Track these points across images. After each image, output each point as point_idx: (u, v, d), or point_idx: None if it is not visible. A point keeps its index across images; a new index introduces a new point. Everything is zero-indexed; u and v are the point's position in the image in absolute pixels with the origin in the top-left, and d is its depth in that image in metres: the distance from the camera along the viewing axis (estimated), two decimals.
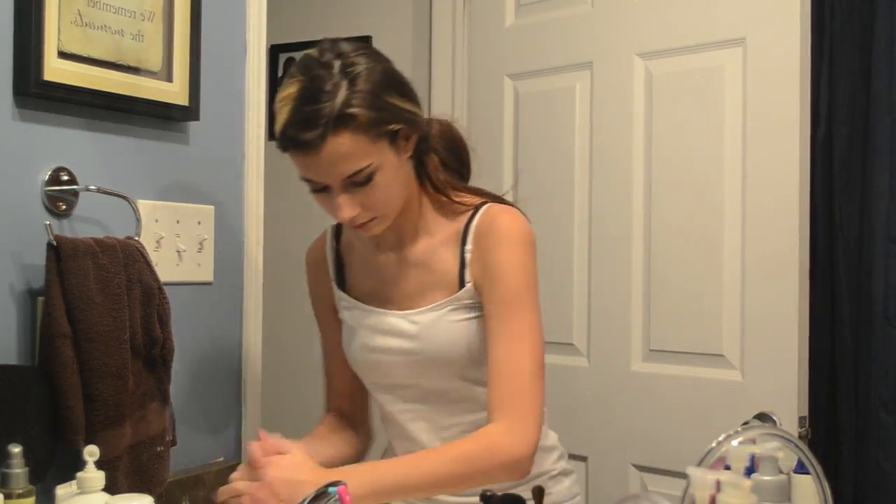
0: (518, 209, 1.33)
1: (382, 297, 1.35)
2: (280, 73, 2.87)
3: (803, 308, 1.84)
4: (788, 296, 1.84)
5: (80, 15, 1.36)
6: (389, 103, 1.20)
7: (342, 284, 1.41)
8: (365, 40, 2.70)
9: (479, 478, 1.17)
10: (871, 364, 2.04)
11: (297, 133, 1.16)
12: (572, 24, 2.20)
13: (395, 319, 1.32)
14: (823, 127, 2.12)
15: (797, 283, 1.83)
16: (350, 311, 1.38)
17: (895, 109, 2.03)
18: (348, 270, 1.41)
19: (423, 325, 1.29)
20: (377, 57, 1.23)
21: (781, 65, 1.86)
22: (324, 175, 1.19)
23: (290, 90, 1.18)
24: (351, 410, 1.46)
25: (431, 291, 1.30)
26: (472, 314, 1.28)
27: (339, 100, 1.15)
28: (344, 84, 1.16)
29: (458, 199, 1.32)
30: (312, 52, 1.22)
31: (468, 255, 1.28)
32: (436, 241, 1.32)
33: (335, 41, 1.22)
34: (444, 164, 1.34)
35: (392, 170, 1.22)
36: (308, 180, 1.22)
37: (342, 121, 1.15)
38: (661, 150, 2.04)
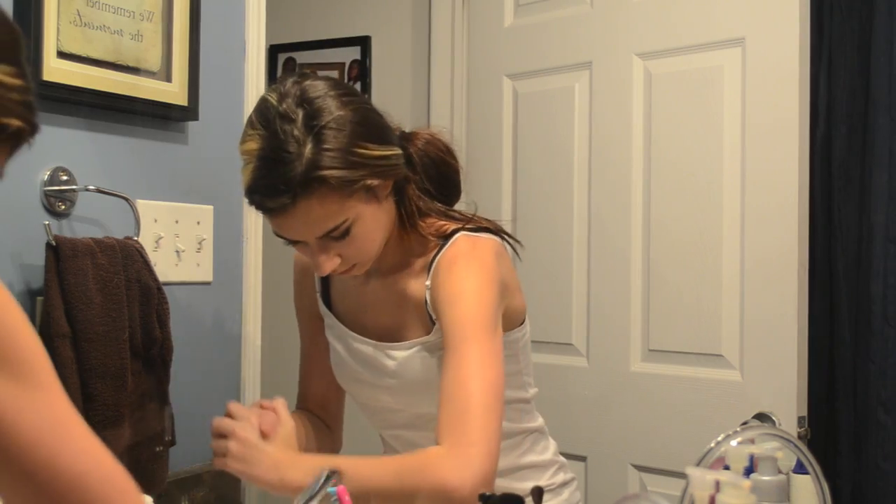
0: (497, 234, 1.25)
1: (361, 323, 1.31)
2: (279, 73, 2.88)
3: (802, 308, 1.84)
4: (787, 296, 1.84)
5: (79, 15, 1.36)
6: (362, 156, 1.10)
7: (327, 299, 1.37)
8: (364, 40, 2.70)
9: (407, 495, 1.07)
10: (870, 364, 2.04)
11: (263, 200, 1.10)
12: (571, 24, 2.20)
13: (372, 351, 1.28)
14: (822, 127, 2.12)
15: (796, 283, 1.83)
16: (333, 330, 1.35)
17: (894, 109, 2.03)
18: (333, 285, 1.37)
19: (399, 361, 1.24)
20: (346, 100, 1.12)
21: (780, 65, 1.86)
22: (298, 234, 1.13)
23: (250, 145, 1.10)
24: (323, 416, 1.42)
25: (407, 326, 1.26)
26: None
27: (305, 161, 1.06)
28: (309, 142, 1.07)
29: (428, 232, 1.22)
30: (272, 95, 1.11)
31: (428, 292, 1.21)
32: (410, 274, 1.25)
33: (300, 80, 1.11)
34: (425, 189, 1.24)
35: (370, 219, 1.14)
36: (281, 237, 1.16)
37: (311, 185, 1.06)
38: (661, 150, 2.04)
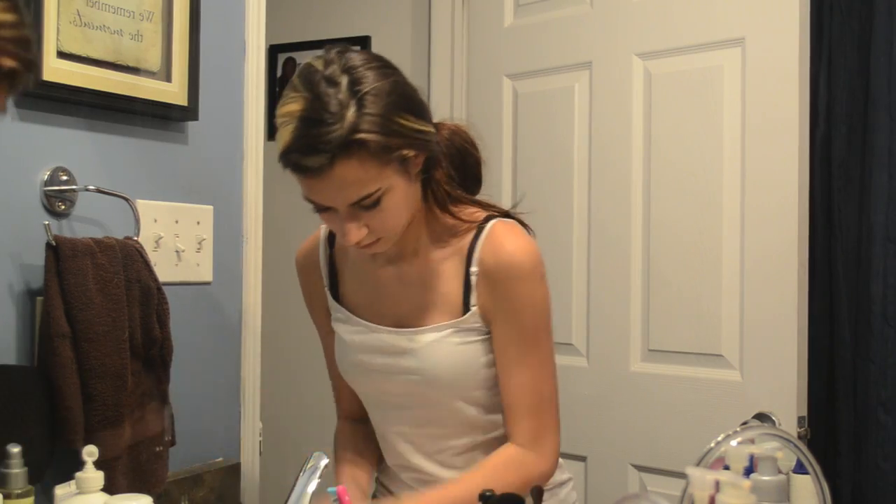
0: (521, 223, 1.28)
1: (377, 312, 1.29)
2: (279, 73, 2.87)
3: (802, 308, 1.84)
4: (787, 295, 1.84)
5: (78, 15, 1.36)
6: (401, 125, 1.11)
7: (335, 292, 1.35)
8: (364, 40, 2.70)
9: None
10: (870, 364, 2.04)
11: (300, 158, 1.09)
12: (571, 24, 2.20)
13: (391, 337, 1.26)
14: (822, 127, 2.12)
15: (796, 283, 1.83)
16: (344, 323, 1.32)
17: (894, 109, 2.03)
18: (341, 278, 1.35)
19: (424, 346, 1.23)
20: (388, 72, 1.14)
21: (780, 65, 1.86)
22: (329, 199, 1.13)
23: (292, 106, 1.10)
24: (362, 413, 1.40)
25: (432, 311, 1.25)
26: (477, 337, 1.24)
27: (347, 124, 1.07)
28: (352, 105, 1.08)
29: (460, 217, 1.25)
30: (317, 62, 1.12)
31: (473, 279, 1.23)
32: (438, 259, 1.26)
33: (343, 51, 1.13)
34: (450, 176, 1.26)
35: (401, 192, 1.15)
36: (312, 201, 1.16)
37: (350, 147, 1.07)
38: (661, 150, 2.04)
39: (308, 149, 1.08)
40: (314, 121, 1.08)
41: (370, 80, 1.10)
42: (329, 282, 1.36)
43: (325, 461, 1.19)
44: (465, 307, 1.23)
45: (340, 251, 1.36)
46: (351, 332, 1.31)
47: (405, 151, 1.13)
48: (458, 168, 1.29)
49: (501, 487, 1.09)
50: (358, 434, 1.40)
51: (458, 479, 1.22)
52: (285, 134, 1.10)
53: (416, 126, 1.14)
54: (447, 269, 1.25)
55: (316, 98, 1.08)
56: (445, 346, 1.23)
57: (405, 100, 1.14)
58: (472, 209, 1.27)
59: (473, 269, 1.23)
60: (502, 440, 1.28)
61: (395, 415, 1.32)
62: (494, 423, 1.29)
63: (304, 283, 1.41)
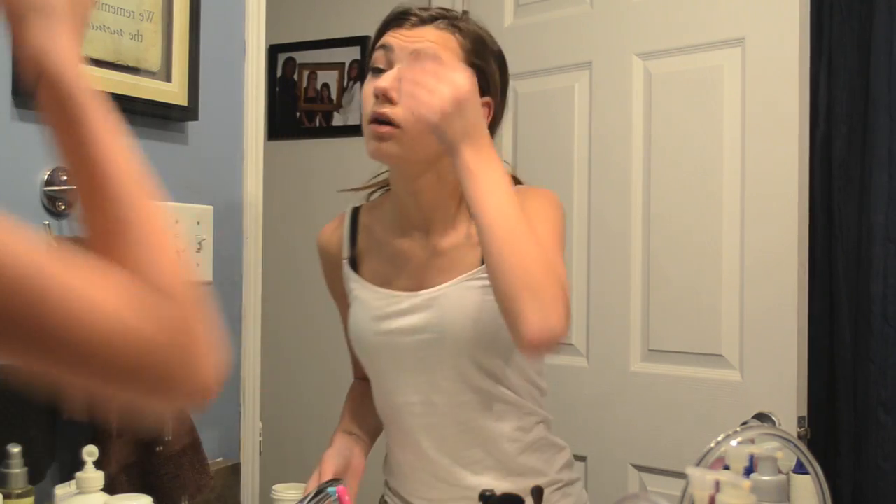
0: None
1: (399, 283, 1.29)
2: (279, 73, 2.88)
3: (802, 308, 1.84)
4: (787, 295, 1.84)
5: None
6: (490, 60, 1.26)
7: (354, 266, 1.35)
8: (364, 40, 2.70)
9: (535, 264, 1.09)
10: (870, 364, 2.04)
11: (410, 7, 1.23)
12: (571, 24, 2.20)
13: (407, 299, 1.26)
14: (822, 127, 2.12)
15: (796, 283, 1.83)
16: (359, 291, 1.32)
17: (894, 109, 2.03)
18: (363, 254, 1.35)
19: (445, 299, 1.23)
20: (500, 48, 1.32)
21: (780, 65, 1.86)
22: (400, 46, 1.21)
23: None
24: None
25: (451, 272, 1.25)
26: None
27: (458, 20, 1.23)
28: (472, 24, 1.25)
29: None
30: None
31: None
32: (467, 228, 1.26)
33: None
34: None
35: None
36: (379, 56, 1.23)
37: (451, 25, 1.21)
38: (661, 150, 2.04)
39: (421, 8, 1.24)
40: (439, 7, 1.28)
41: (491, 37, 1.30)
42: (350, 255, 1.36)
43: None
44: (482, 261, 1.21)
45: (365, 229, 1.36)
46: (367, 298, 1.30)
47: (482, 65, 1.24)
48: None
49: (540, 247, 1.11)
50: (368, 391, 1.40)
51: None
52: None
53: (498, 78, 1.29)
54: (473, 232, 1.23)
55: (447, 9, 1.30)
56: (468, 298, 1.22)
57: (503, 64, 1.32)
58: None
59: None
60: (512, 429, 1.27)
61: (409, 383, 1.28)
62: (504, 397, 1.27)
63: (325, 260, 1.41)
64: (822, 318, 2.08)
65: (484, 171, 1.11)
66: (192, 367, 0.61)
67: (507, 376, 1.27)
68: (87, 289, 0.58)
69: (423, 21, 1.22)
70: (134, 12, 1.44)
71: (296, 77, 2.86)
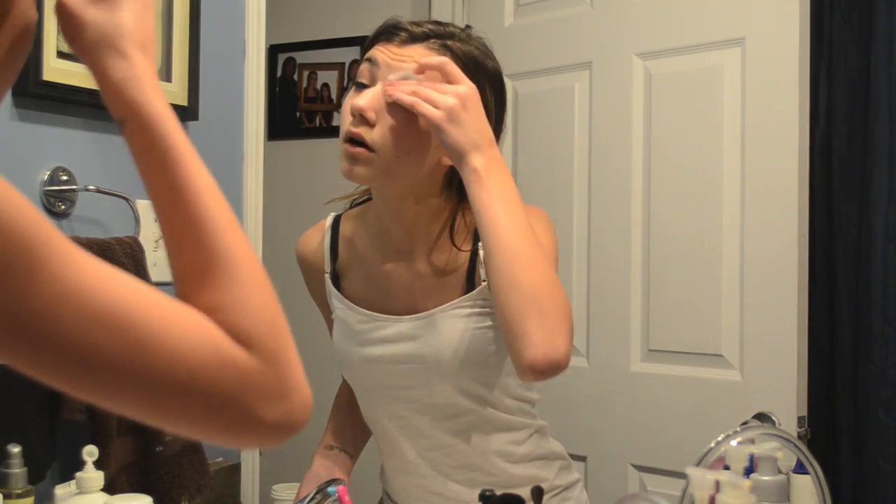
0: None
1: (382, 305, 1.24)
2: (279, 73, 2.88)
3: (802, 308, 1.84)
4: (787, 296, 1.84)
5: None
6: (484, 84, 1.14)
7: (336, 281, 1.30)
8: (364, 40, 2.70)
9: (541, 283, 1.07)
10: (870, 364, 2.04)
11: (402, 21, 1.16)
12: (571, 25, 2.20)
13: (393, 324, 1.22)
14: (822, 127, 2.12)
15: (796, 283, 1.83)
16: (343, 311, 1.28)
17: (894, 109, 2.03)
18: (344, 269, 1.31)
19: (431, 328, 1.19)
20: (500, 72, 1.21)
21: (781, 65, 1.86)
22: (387, 64, 1.13)
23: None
24: None
25: (440, 296, 1.21)
26: (489, 322, 1.18)
27: (451, 39, 1.14)
28: (467, 42, 1.16)
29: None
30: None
31: (482, 252, 1.15)
32: (442, 248, 1.22)
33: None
34: None
35: (422, 130, 1.11)
36: (364, 70, 1.16)
37: (443, 46, 1.13)
38: (661, 150, 2.04)
39: (413, 24, 1.16)
40: (434, 22, 1.18)
41: (487, 52, 1.18)
42: (331, 269, 1.32)
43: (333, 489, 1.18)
44: (470, 282, 1.19)
45: (346, 241, 1.32)
46: (351, 321, 1.27)
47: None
48: None
49: (548, 266, 1.09)
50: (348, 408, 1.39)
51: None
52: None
53: (492, 102, 1.17)
54: (460, 254, 1.21)
55: (444, 23, 1.19)
56: (454, 327, 1.18)
57: (500, 86, 1.20)
58: None
59: (481, 250, 1.19)
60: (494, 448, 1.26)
61: (389, 407, 1.27)
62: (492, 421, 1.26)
63: (305, 271, 1.37)
64: (822, 317, 2.08)
65: (494, 178, 1.08)
66: (283, 402, 0.62)
67: (494, 398, 1.24)
68: (184, 323, 0.58)
69: (415, 38, 1.14)
70: None
71: (296, 77, 2.86)
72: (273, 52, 2.81)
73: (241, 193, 1.68)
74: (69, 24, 0.69)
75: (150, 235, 1.47)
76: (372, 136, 1.12)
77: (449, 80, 1.09)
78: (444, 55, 1.12)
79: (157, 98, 0.69)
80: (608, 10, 2.14)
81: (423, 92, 1.08)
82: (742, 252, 1.91)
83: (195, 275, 0.63)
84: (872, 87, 2.06)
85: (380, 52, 1.15)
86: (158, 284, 1.44)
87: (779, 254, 1.85)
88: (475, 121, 1.08)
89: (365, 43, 1.20)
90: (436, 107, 1.07)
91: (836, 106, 2.13)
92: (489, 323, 1.19)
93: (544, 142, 2.25)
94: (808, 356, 1.86)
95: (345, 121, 1.15)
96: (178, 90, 1.51)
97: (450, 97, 1.07)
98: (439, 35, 1.14)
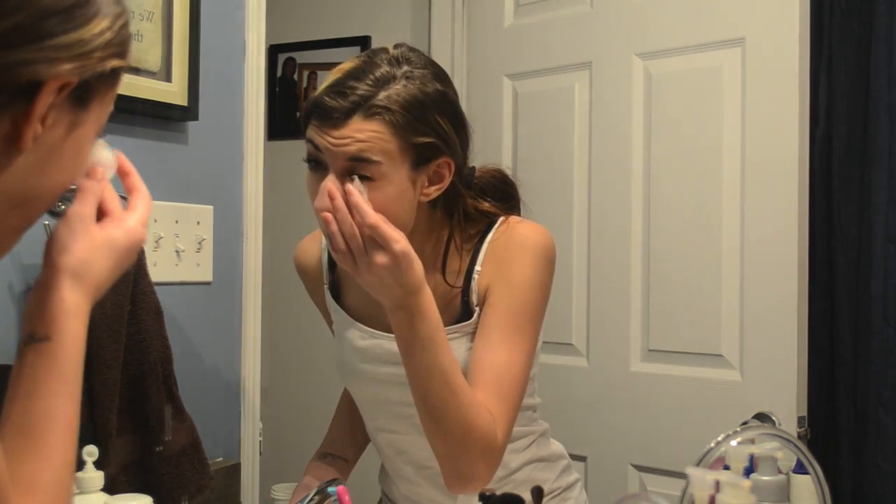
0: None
1: (382, 320, 1.22)
2: (279, 73, 2.88)
3: (802, 308, 1.84)
4: (787, 295, 1.84)
5: None
6: (433, 122, 1.11)
7: (336, 293, 1.31)
8: (364, 40, 2.70)
9: (450, 442, 1.10)
10: (870, 364, 2.04)
11: (326, 99, 1.08)
12: (571, 24, 2.20)
13: (394, 344, 1.18)
14: (822, 127, 2.12)
15: (796, 283, 1.83)
16: (343, 326, 1.28)
17: (894, 109, 2.03)
18: (343, 281, 1.31)
19: None
20: (444, 83, 1.15)
21: (780, 65, 1.86)
22: (329, 152, 1.08)
23: (346, 64, 1.12)
24: None
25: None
26: None
27: (383, 89, 1.08)
28: (397, 82, 1.09)
29: (479, 208, 1.23)
30: (391, 46, 1.15)
31: (476, 277, 1.19)
32: (449, 270, 1.22)
33: (417, 49, 1.16)
34: (484, 193, 1.26)
35: (395, 188, 1.09)
36: (311, 151, 1.11)
37: (376, 108, 1.07)
38: (661, 149, 2.04)
39: (338, 93, 1.08)
40: (356, 75, 1.09)
41: (427, 76, 1.12)
42: (329, 280, 1.32)
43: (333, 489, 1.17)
44: (465, 308, 1.21)
45: None
46: (351, 337, 1.27)
47: (424, 141, 1.10)
48: (495, 192, 1.28)
49: (473, 410, 1.09)
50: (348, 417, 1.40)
51: (455, 362, 1.13)
52: (328, 80, 1.12)
53: (449, 130, 1.13)
54: (452, 272, 1.21)
55: (369, 63, 1.11)
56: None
57: (449, 105, 1.14)
58: (484, 205, 1.26)
59: (478, 268, 1.20)
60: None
61: (388, 421, 1.28)
62: None
63: (304, 281, 1.38)
64: (822, 318, 2.08)
65: (411, 335, 1.09)
66: None
67: None
68: None
69: (347, 113, 1.07)
70: (134, 12, 1.44)
71: (296, 77, 2.86)
72: (273, 52, 2.81)
73: (240, 193, 1.67)
74: (66, 235, 0.82)
75: (150, 235, 1.47)
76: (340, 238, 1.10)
77: (377, 242, 1.05)
78: (382, 118, 1.07)
79: (83, 338, 0.78)
80: (608, 10, 2.14)
81: (353, 250, 1.06)
82: (742, 251, 1.91)
83: (24, 482, 0.71)
84: (872, 87, 2.06)
85: (319, 137, 1.09)
86: (158, 284, 1.45)
87: (779, 253, 1.85)
88: (395, 282, 1.06)
89: (302, 114, 1.14)
90: (358, 269, 1.06)
91: (836, 106, 2.13)
92: None
93: (544, 142, 2.25)
94: (808, 356, 1.86)
95: (315, 210, 1.12)
96: (178, 90, 1.51)
97: (368, 271, 1.06)
98: (369, 97, 1.07)
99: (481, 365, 1.16)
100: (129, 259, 0.86)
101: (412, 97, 1.09)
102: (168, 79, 1.50)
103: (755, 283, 1.88)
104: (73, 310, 0.77)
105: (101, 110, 0.74)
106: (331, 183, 1.08)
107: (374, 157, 1.07)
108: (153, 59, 1.48)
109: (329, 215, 1.06)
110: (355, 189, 1.06)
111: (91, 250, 0.80)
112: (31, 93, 0.63)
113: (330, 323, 1.36)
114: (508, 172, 1.33)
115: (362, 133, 1.07)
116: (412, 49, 1.15)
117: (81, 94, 0.68)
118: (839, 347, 2.11)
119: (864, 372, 2.05)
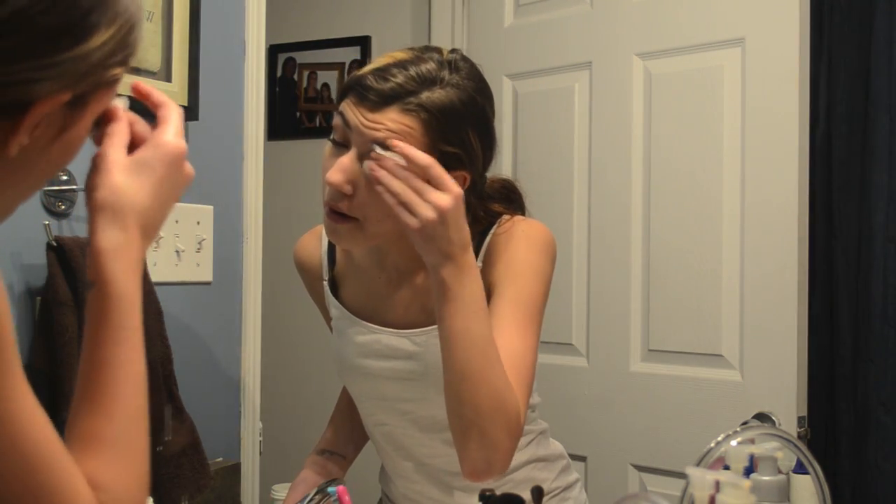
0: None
1: (381, 316, 1.25)
2: (279, 73, 2.88)
3: (802, 308, 1.84)
4: (787, 296, 1.84)
5: None
6: (465, 134, 1.10)
7: (334, 289, 1.31)
8: (364, 40, 2.70)
9: (487, 400, 1.05)
10: (870, 364, 2.04)
11: (370, 79, 1.08)
12: (571, 24, 2.20)
13: (393, 339, 1.22)
14: (822, 126, 2.12)
15: (796, 283, 1.83)
16: (342, 321, 1.28)
17: (894, 109, 2.03)
18: (342, 277, 1.31)
19: (429, 347, 1.18)
20: (486, 97, 1.15)
21: (780, 65, 1.86)
22: (358, 131, 1.08)
23: (400, 54, 1.11)
24: None
25: (431, 310, 1.18)
26: None
27: (427, 90, 1.07)
28: (445, 86, 1.08)
29: (487, 209, 1.22)
30: (445, 49, 1.15)
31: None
32: None
33: (469, 61, 1.15)
34: (491, 198, 1.26)
35: None
36: (339, 125, 1.12)
37: (413, 105, 1.06)
38: (660, 150, 2.04)
39: (381, 77, 1.08)
40: (404, 66, 1.08)
41: (469, 88, 1.11)
42: (328, 276, 1.32)
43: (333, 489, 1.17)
44: None
45: (344, 251, 1.31)
46: (350, 333, 1.27)
47: (454, 150, 1.10)
48: (502, 198, 1.29)
49: (505, 387, 1.06)
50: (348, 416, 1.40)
51: (482, 340, 1.09)
52: (374, 63, 1.11)
53: (476, 146, 1.13)
54: None
55: (419, 59, 1.10)
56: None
57: (484, 123, 1.14)
58: (490, 205, 1.25)
59: (479, 264, 1.19)
60: None
61: (387, 417, 1.28)
62: None
63: (304, 277, 1.38)
64: (822, 318, 2.08)
65: (457, 290, 1.06)
66: None
67: None
68: (79, 487, 0.67)
69: (385, 100, 1.07)
70: None
71: (296, 77, 2.86)
72: (273, 52, 2.81)
73: (240, 193, 1.68)
74: (95, 176, 0.75)
75: None
76: (352, 206, 1.11)
77: (433, 184, 1.04)
78: (418, 116, 1.06)
79: (131, 279, 0.74)
80: (608, 10, 2.14)
81: (404, 195, 1.03)
82: (742, 252, 1.91)
83: (87, 438, 0.70)
84: (872, 87, 2.06)
85: (352, 114, 1.09)
86: (158, 284, 1.45)
87: (779, 253, 1.85)
88: (451, 231, 1.04)
89: (340, 90, 1.14)
90: (414, 214, 1.03)
91: (836, 106, 2.13)
92: None
93: (544, 142, 2.25)
94: (808, 356, 1.86)
95: (324, 186, 1.13)
96: (178, 90, 1.51)
97: (429, 210, 1.02)
98: (411, 91, 1.07)
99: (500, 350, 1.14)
100: (174, 174, 0.82)
101: (452, 106, 1.09)
102: (168, 79, 1.50)
103: (755, 283, 1.89)
104: (110, 249, 0.72)
105: (95, 112, 0.72)
106: (348, 160, 1.08)
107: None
108: (153, 59, 1.48)
109: (378, 171, 1.04)
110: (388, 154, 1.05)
111: (121, 180, 0.75)
112: (23, 108, 0.61)
113: (328, 320, 1.36)
114: (517, 183, 1.33)
115: (395, 124, 1.06)
116: (465, 59, 1.14)
117: (77, 102, 0.67)
118: (839, 347, 2.11)
119: (864, 372, 2.05)
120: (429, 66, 1.09)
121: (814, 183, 1.96)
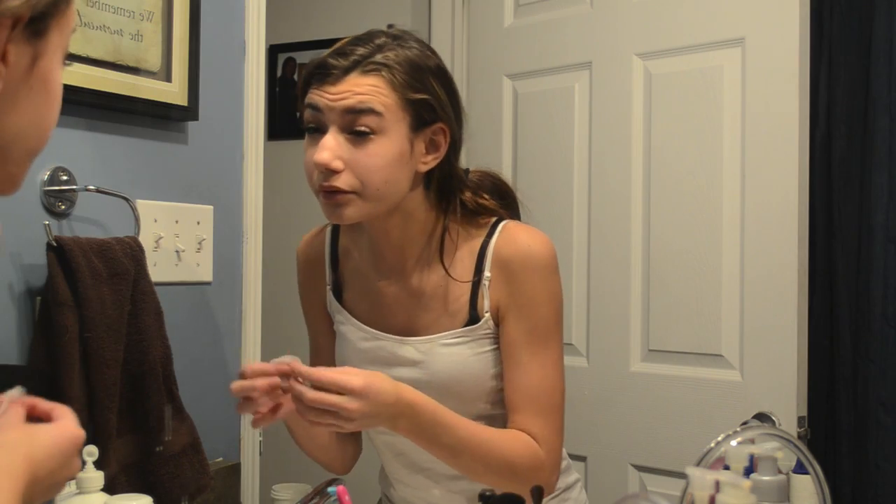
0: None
1: (383, 322, 1.25)
2: (279, 73, 2.88)
3: (802, 308, 1.84)
4: (787, 296, 1.84)
5: (78, 15, 1.36)
6: (429, 84, 1.14)
7: (338, 293, 1.31)
8: None
9: (503, 483, 1.10)
10: (870, 364, 2.04)
11: (328, 59, 1.12)
12: (571, 25, 2.20)
13: (398, 346, 1.22)
14: (822, 127, 2.12)
15: (796, 283, 1.83)
16: (347, 327, 1.28)
17: (894, 109, 2.03)
18: (345, 282, 1.30)
19: (435, 355, 1.20)
20: (439, 59, 1.19)
21: (780, 65, 1.86)
22: (328, 107, 1.10)
23: (348, 38, 1.16)
24: None
25: (440, 320, 1.22)
26: (489, 347, 1.21)
27: (382, 52, 1.12)
28: (395, 47, 1.13)
29: (479, 222, 1.23)
30: (384, 26, 1.21)
31: (486, 283, 1.20)
32: (449, 270, 1.21)
33: (410, 31, 1.21)
34: (480, 189, 1.27)
35: (396, 147, 1.11)
36: (310, 116, 1.13)
37: (373, 66, 1.11)
38: (660, 150, 2.04)
39: (342, 55, 1.12)
40: (356, 42, 1.14)
41: (419, 45, 1.17)
42: (332, 280, 1.31)
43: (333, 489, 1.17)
44: (473, 313, 1.20)
45: (344, 252, 1.31)
46: (354, 338, 1.27)
47: (420, 98, 1.13)
48: (493, 193, 1.29)
49: (509, 453, 1.14)
50: None
51: (469, 422, 1.16)
52: (326, 53, 1.15)
53: (443, 95, 1.16)
54: (457, 274, 1.21)
55: (370, 34, 1.16)
56: (457, 356, 1.20)
57: (443, 74, 1.18)
58: (489, 218, 1.25)
59: (486, 273, 1.20)
60: None
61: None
62: None
63: (305, 278, 1.36)
64: (822, 318, 2.08)
65: (422, 433, 1.11)
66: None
67: (494, 414, 1.25)
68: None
69: (346, 70, 1.10)
70: (134, 12, 1.44)
71: (296, 77, 2.86)
72: (273, 52, 2.81)
73: (240, 193, 1.67)
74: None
75: (149, 235, 1.47)
76: (346, 180, 1.12)
77: (327, 387, 1.04)
78: (381, 74, 1.10)
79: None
80: (608, 10, 2.14)
81: (323, 419, 1.05)
82: (742, 252, 1.91)
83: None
84: (872, 87, 2.06)
85: (318, 96, 1.12)
86: (158, 284, 1.45)
87: (779, 253, 1.85)
88: (379, 403, 1.06)
89: (300, 84, 1.16)
90: (345, 420, 1.05)
91: (836, 106, 2.13)
92: (490, 347, 1.21)
93: (544, 142, 2.25)
94: (808, 356, 1.86)
95: (310, 173, 1.14)
96: (178, 90, 1.51)
97: (349, 402, 1.04)
98: (367, 55, 1.11)
99: (516, 388, 1.19)
100: (70, 458, 0.76)
101: (408, 58, 1.13)
102: (168, 79, 1.50)
103: (755, 282, 1.89)
104: None
105: (60, 37, 0.74)
106: (330, 137, 1.10)
107: (373, 106, 1.10)
108: (153, 59, 1.48)
109: (300, 407, 1.07)
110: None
111: (28, 429, 0.73)
112: None
113: (312, 324, 1.36)
114: (501, 174, 1.34)
115: (360, 87, 1.10)
116: (406, 31, 1.20)
117: (37, 27, 0.68)
118: (839, 347, 2.11)
119: (864, 372, 2.05)
120: (379, 38, 1.15)
121: (814, 183, 1.96)
